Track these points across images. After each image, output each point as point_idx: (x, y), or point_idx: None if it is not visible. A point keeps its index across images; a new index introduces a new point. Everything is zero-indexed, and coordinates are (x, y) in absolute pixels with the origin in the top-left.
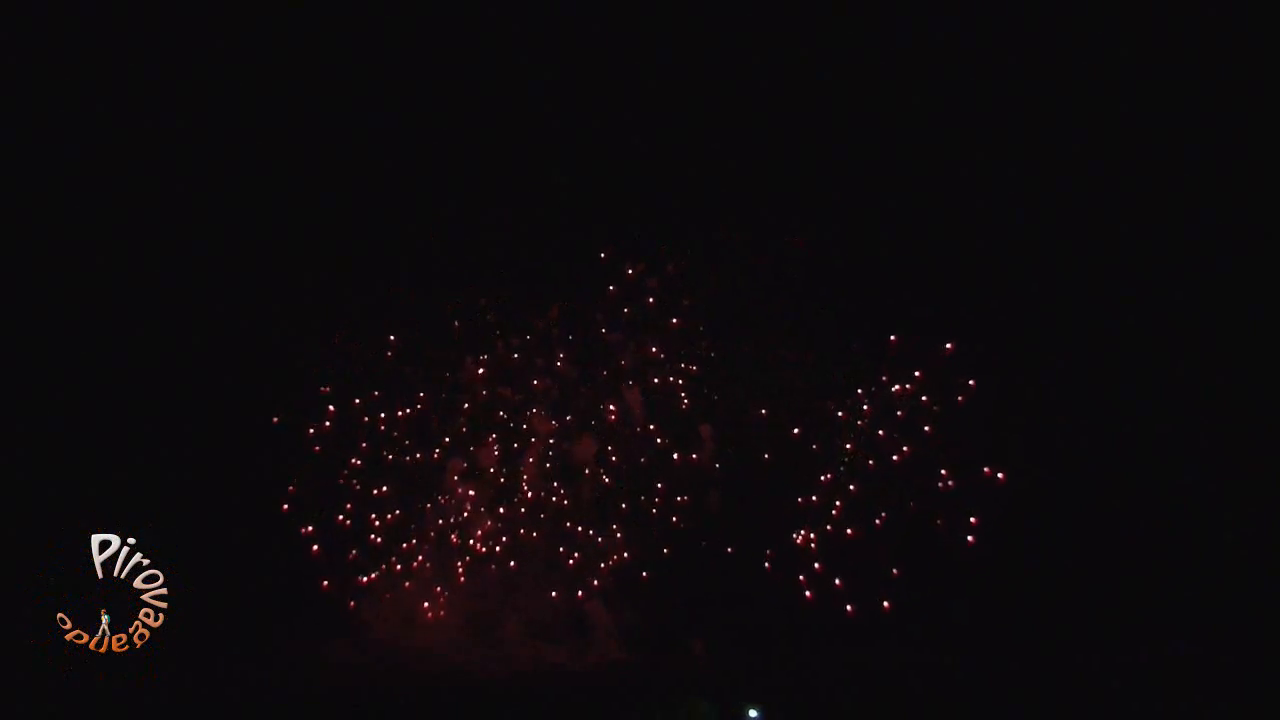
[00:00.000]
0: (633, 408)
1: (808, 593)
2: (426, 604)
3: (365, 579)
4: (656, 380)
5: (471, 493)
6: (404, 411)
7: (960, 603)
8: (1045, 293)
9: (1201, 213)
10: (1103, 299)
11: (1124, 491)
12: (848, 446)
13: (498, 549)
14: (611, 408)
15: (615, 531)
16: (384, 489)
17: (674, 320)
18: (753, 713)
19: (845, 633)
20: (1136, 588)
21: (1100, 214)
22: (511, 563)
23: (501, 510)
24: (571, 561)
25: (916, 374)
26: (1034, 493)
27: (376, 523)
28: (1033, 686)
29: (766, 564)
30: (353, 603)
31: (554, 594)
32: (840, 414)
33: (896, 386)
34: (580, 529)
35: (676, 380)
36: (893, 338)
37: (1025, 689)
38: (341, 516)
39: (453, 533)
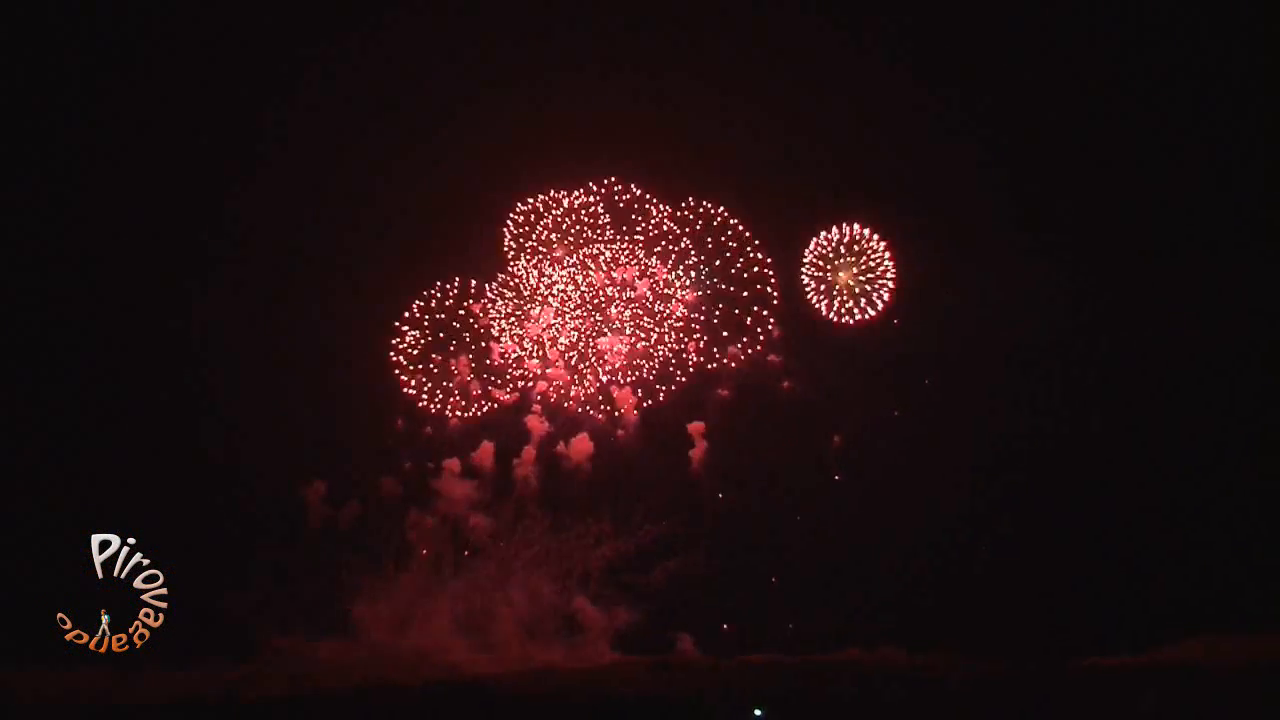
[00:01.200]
0: (626, 410)
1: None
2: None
3: (362, 582)
4: (651, 380)
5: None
6: (401, 415)
7: (966, 605)
8: (1053, 295)
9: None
10: (1121, 299)
11: (1144, 497)
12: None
13: (491, 550)
14: (604, 410)
15: (610, 533)
16: (381, 493)
17: (669, 322)
18: (756, 712)
19: (846, 634)
20: (1151, 592)
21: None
22: (506, 563)
23: (496, 512)
24: (564, 562)
25: (926, 381)
26: (1045, 498)
27: (374, 527)
28: (1034, 688)
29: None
30: (348, 607)
31: (546, 594)
32: (834, 417)
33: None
34: (574, 530)
35: (672, 383)
36: (896, 321)
37: (1026, 690)
38: (339, 520)
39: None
